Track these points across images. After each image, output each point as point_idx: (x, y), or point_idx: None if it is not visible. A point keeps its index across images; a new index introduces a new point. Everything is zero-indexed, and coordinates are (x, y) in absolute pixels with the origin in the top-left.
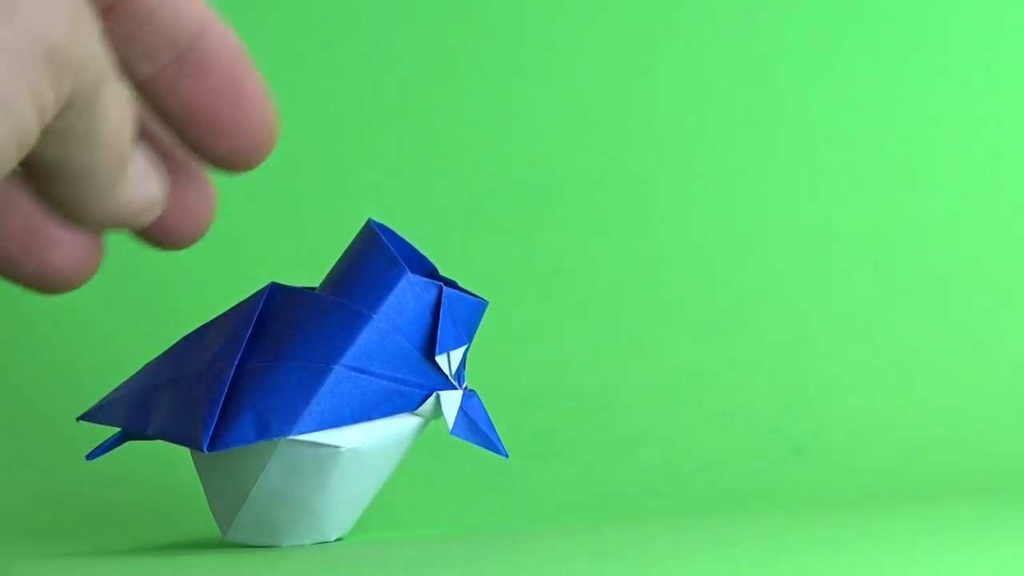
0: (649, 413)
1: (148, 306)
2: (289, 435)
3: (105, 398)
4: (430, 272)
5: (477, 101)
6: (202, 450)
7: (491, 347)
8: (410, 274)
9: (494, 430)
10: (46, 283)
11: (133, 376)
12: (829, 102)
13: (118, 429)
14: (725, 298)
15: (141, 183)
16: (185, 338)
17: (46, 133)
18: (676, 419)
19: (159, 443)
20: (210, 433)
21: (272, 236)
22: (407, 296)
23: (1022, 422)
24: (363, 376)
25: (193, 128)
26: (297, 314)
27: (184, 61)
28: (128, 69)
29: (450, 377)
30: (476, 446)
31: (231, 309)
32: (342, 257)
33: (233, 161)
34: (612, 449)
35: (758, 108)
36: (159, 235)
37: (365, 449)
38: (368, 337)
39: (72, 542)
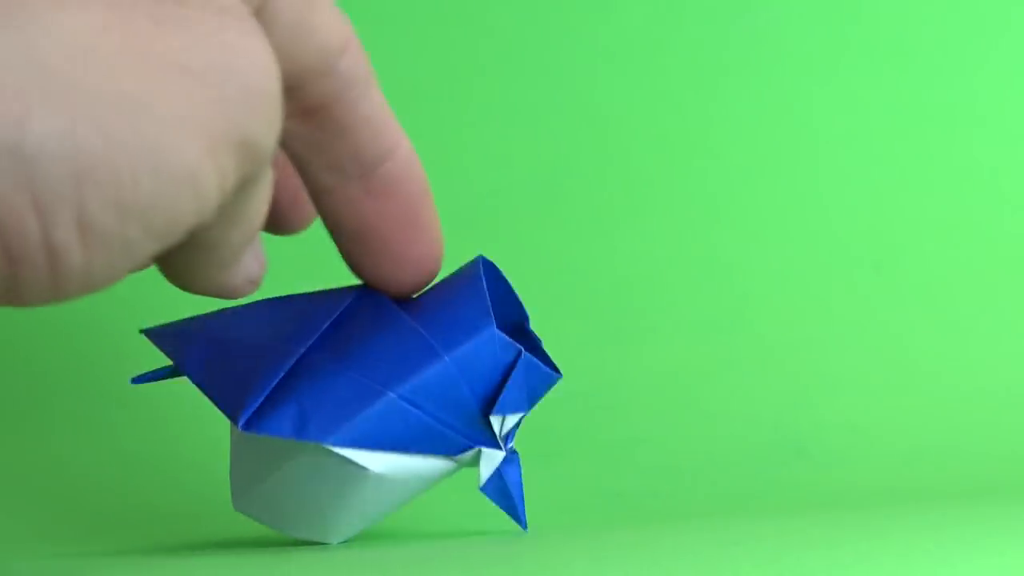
0: (649, 413)
1: (148, 307)
2: (323, 442)
3: (175, 325)
4: (521, 321)
5: (477, 101)
6: (237, 425)
7: None
8: (496, 330)
9: (523, 500)
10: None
11: (208, 316)
12: (830, 102)
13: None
14: (725, 298)
15: (249, 263)
16: (270, 301)
17: None
18: (676, 419)
19: (159, 441)
20: (250, 413)
21: (272, 236)
22: (485, 350)
23: None
24: (414, 410)
25: (362, 246)
26: (376, 325)
27: (369, 181)
28: (311, 176)
29: (498, 437)
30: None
31: (318, 293)
32: (442, 283)
33: (391, 285)
34: (612, 449)
35: (758, 108)
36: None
37: (392, 477)
38: (433, 376)
39: (72, 542)
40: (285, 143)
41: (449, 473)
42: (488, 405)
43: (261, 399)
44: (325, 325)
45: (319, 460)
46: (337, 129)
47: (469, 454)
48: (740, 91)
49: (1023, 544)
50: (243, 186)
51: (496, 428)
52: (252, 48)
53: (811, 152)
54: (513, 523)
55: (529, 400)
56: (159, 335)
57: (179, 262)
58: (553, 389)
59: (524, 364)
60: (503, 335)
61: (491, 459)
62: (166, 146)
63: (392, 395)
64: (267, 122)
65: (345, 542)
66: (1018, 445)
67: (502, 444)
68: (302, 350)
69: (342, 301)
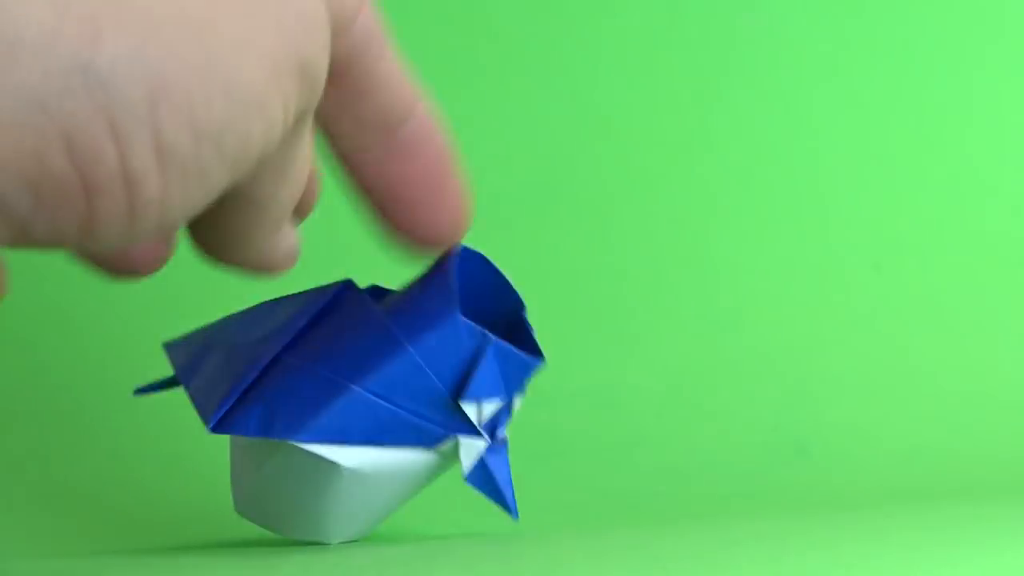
0: (649, 413)
1: (148, 307)
2: (290, 439)
3: (186, 336)
4: (515, 307)
5: (477, 101)
6: (207, 427)
7: None
8: (460, 317)
9: (511, 489)
10: (121, 273)
11: (211, 325)
12: (830, 102)
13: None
14: (725, 298)
15: (289, 232)
16: (262, 304)
17: None
18: (676, 419)
19: (159, 441)
20: (220, 414)
21: None
22: (450, 338)
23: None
24: (381, 402)
25: (389, 207)
26: (347, 322)
27: (391, 143)
28: (337, 140)
29: (477, 424)
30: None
31: (304, 293)
32: (421, 274)
33: (419, 242)
34: (612, 449)
35: (759, 108)
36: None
37: (367, 472)
38: (398, 367)
39: (71, 542)
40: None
41: (436, 467)
42: (459, 392)
43: (232, 401)
44: (302, 325)
45: (292, 458)
46: (357, 91)
47: (448, 445)
48: (740, 91)
49: (1022, 544)
50: (296, 125)
51: (472, 416)
52: None
53: (811, 152)
54: (514, 522)
55: (507, 386)
56: (173, 347)
57: (228, 224)
58: (553, 389)
59: (493, 350)
60: (469, 322)
61: (470, 448)
62: (234, 67)
63: (356, 388)
64: (322, 47)
65: (346, 542)
66: (1017, 446)
67: (482, 432)
68: (277, 351)
69: (320, 300)
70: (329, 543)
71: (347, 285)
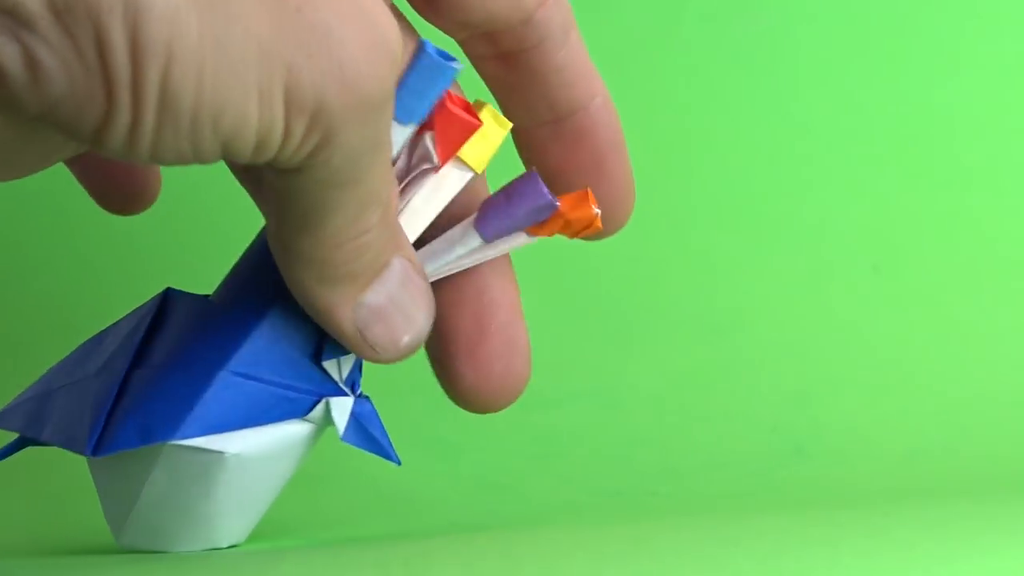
0: (649, 413)
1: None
2: (171, 440)
3: (9, 403)
4: None
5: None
6: (84, 455)
7: None
8: None
9: (387, 437)
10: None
11: (37, 381)
12: (829, 103)
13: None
14: (725, 299)
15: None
16: (85, 342)
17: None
18: (676, 419)
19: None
20: (95, 438)
21: None
22: (294, 304)
23: (1022, 423)
24: (249, 382)
25: (554, 186)
26: (187, 320)
27: (559, 128)
28: (507, 114)
29: (340, 383)
30: (370, 452)
31: (129, 314)
32: (236, 263)
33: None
34: (612, 449)
35: (757, 109)
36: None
37: (251, 455)
38: (255, 343)
39: (71, 542)
40: (486, 83)
41: (310, 438)
42: (317, 354)
43: (101, 423)
44: (138, 339)
45: (176, 461)
46: (530, 76)
47: (319, 410)
48: (738, 92)
49: (1021, 543)
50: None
51: (334, 375)
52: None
53: (810, 153)
54: (512, 522)
55: None
56: (1, 419)
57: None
58: (553, 389)
59: None
60: None
61: (341, 406)
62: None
63: (222, 372)
64: (348, 104)
65: (343, 540)
66: (1015, 445)
67: (346, 389)
68: (125, 368)
69: (147, 313)
70: (219, 547)
71: (169, 292)
